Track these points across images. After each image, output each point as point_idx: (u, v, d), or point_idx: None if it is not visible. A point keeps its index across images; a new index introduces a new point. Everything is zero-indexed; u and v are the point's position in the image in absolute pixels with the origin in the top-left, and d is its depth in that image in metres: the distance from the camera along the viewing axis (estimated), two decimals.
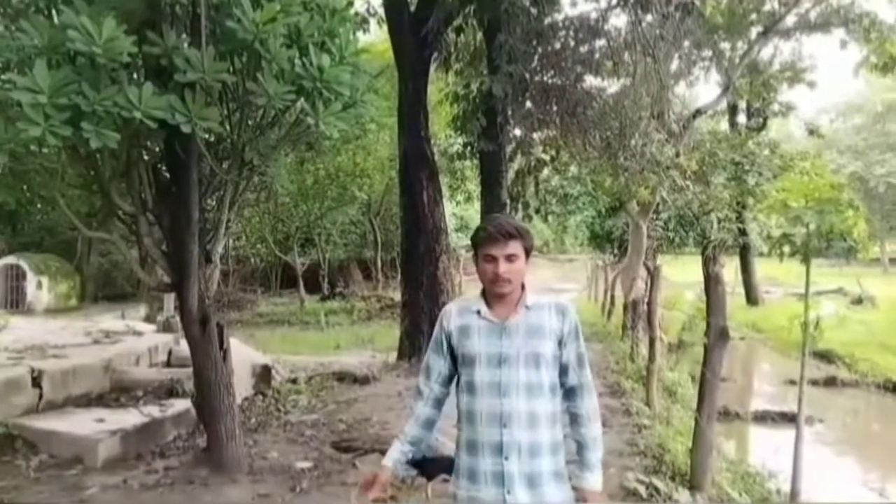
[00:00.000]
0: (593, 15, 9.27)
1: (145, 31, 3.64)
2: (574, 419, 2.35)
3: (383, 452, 4.38)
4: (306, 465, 5.20)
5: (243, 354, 7.72)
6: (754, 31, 14.38)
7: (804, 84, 16.35)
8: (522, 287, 2.32)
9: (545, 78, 9.09)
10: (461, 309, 2.38)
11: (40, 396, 5.84)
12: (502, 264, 2.23)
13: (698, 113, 13.90)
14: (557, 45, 9.14)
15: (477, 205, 13.66)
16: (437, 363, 2.40)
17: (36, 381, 5.84)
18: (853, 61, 16.40)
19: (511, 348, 2.24)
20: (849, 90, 40.86)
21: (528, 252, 2.29)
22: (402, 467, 2.53)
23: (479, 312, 2.31)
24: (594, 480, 2.30)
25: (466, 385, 2.31)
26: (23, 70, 3.52)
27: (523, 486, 2.20)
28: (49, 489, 4.63)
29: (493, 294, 2.30)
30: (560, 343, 2.28)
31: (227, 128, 4.50)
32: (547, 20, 9.09)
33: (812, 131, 18.64)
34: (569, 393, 2.34)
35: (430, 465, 3.47)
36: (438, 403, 2.44)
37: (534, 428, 2.22)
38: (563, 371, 2.31)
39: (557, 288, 24.22)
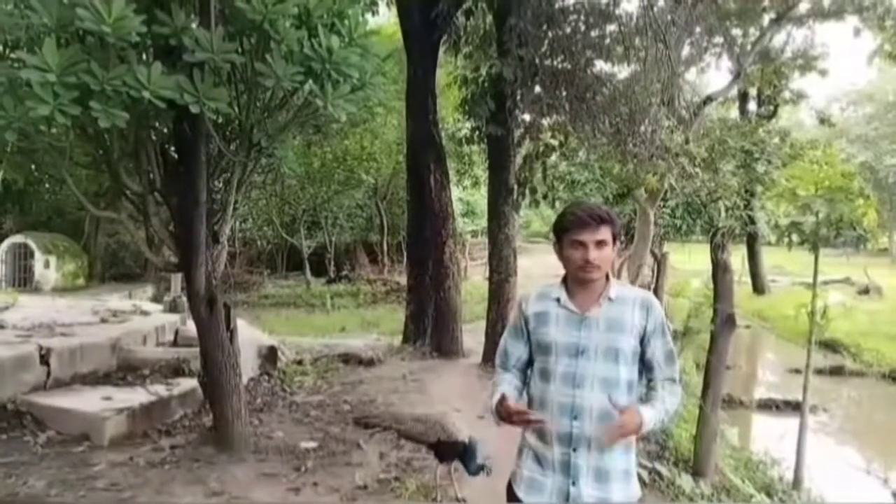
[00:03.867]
0: None
1: (154, 11, 3.62)
2: (652, 394, 2.25)
3: (400, 432, 4.44)
4: (311, 444, 5.23)
5: (249, 335, 7.76)
6: (767, 18, 14.24)
7: (816, 72, 16.21)
8: (607, 277, 2.25)
9: (555, 62, 9.01)
10: (540, 295, 2.32)
11: (48, 374, 5.89)
12: (592, 250, 2.16)
13: (709, 100, 13.82)
14: (568, 30, 9.06)
15: (484, 190, 13.64)
16: (516, 349, 2.36)
17: (44, 359, 5.88)
18: (866, 49, 16.25)
19: (589, 340, 2.17)
20: (861, 79, 40.46)
21: (615, 239, 2.22)
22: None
23: (558, 300, 2.25)
24: (647, 413, 2.12)
25: (540, 372, 2.27)
26: (32, 48, 3.52)
27: (590, 479, 2.16)
28: (57, 465, 4.68)
29: (578, 281, 2.24)
30: (643, 339, 2.21)
31: (236, 109, 4.48)
32: (558, 4, 9.01)
33: (823, 120, 18.53)
34: (656, 387, 2.27)
35: (444, 449, 3.49)
36: (521, 383, 2.37)
37: (606, 423, 2.14)
38: (648, 368, 2.25)
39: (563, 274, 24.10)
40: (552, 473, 2.20)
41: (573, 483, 2.16)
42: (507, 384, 2.33)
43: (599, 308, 2.20)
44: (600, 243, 2.17)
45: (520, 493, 2.27)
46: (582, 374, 2.17)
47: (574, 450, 2.16)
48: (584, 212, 2.20)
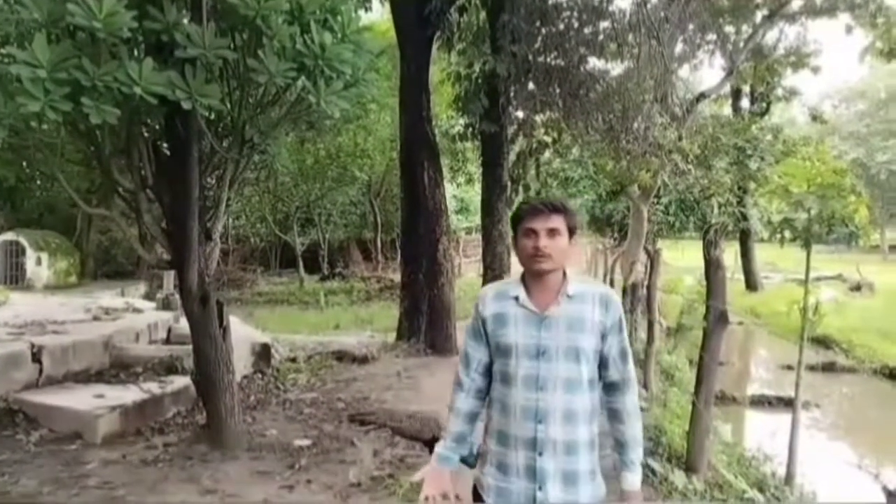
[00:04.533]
0: None
1: (146, 6, 3.59)
2: (614, 415, 2.24)
3: (395, 429, 4.41)
4: (305, 442, 5.23)
5: (243, 333, 7.74)
6: (759, 15, 14.24)
7: (808, 69, 16.24)
8: (564, 274, 2.19)
9: (548, 59, 9.02)
10: (498, 294, 2.23)
11: (40, 371, 5.87)
12: (543, 238, 2.11)
13: (702, 97, 13.81)
14: (561, 26, 9.07)
15: (477, 187, 13.64)
16: (477, 352, 2.25)
17: (36, 357, 5.86)
18: (858, 47, 16.32)
19: (550, 340, 2.11)
20: (852, 76, 40.69)
21: (571, 232, 2.17)
22: (452, 466, 2.29)
23: (516, 299, 2.17)
24: (633, 480, 2.21)
25: (501, 375, 2.19)
26: (22, 44, 3.50)
27: (557, 483, 2.10)
28: (49, 463, 4.66)
29: (532, 273, 2.17)
30: (602, 336, 2.16)
31: (228, 105, 4.47)
32: (551, 0, 9.02)
33: (815, 117, 18.56)
34: (609, 388, 2.22)
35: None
36: (481, 394, 2.29)
37: (571, 424, 2.11)
38: (603, 365, 2.19)
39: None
40: (517, 479, 2.14)
41: (539, 488, 2.10)
42: (446, 440, 2.28)
43: (559, 306, 2.13)
44: (552, 231, 2.12)
45: (488, 501, 2.21)
46: (545, 377, 2.10)
47: (540, 454, 2.10)
48: (538, 200, 2.18)
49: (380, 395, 6.81)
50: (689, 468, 4.67)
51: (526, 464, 2.12)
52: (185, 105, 3.66)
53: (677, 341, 10.43)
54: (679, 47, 11.40)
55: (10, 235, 16.85)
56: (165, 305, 9.21)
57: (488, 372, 2.26)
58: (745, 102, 20.73)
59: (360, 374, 7.77)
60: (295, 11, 3.90)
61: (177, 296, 7.75)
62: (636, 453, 2.22)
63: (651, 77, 9.03)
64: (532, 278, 2.18)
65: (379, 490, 4.38)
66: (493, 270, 8.86)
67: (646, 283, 8.74)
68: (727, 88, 17.25)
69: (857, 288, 20.55)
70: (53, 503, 4.08)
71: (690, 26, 10.90)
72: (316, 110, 4.28)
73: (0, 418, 5.32)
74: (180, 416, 5.82)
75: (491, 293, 2.25)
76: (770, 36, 15.60)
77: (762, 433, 6.82)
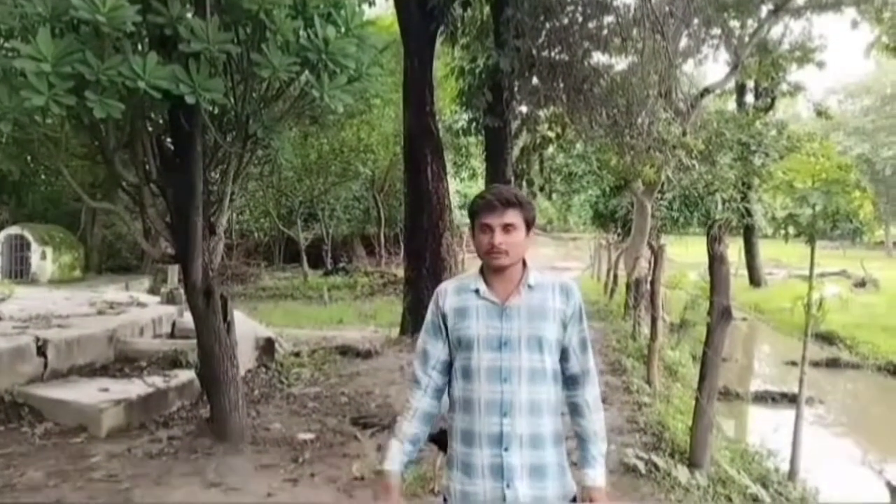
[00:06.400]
0: None
1: (149, 0, 3.60)
2: (574, 409, 2.19)
3: None
4: (309, 436, 5.24)
5: (247, 327, 7.76)
6: (764, 10, 14.19)
7: (813, 64, 16.18)
8: (524, 264, 2.15)
9: (552, 54, 9.01)
10: (458, 288, 2.18)
11: (45, 365, 5.89)
12: (499, 234, 2.06)
13: (706, 92, 13.78)
14: (565, 21, 9.06)
15: (481, 182, 13.64)
16: (435, 348, 2.18)
17: (41, 351, 5.88)
18: (864, 41, 16.24)
19: (512, 331, 2.07)
20: (858, 71, 40.55)
21: (528, 224, 2.12)
22: (407, 469, 2.20)
23: (477, 292, 2.13)
24: (595, 476, 2.13)
25: (462, 370, 2.13)
26: (26, 38, 3.50)
27: (525, 479, 2.04)
28: (54, 456, 4.68)
29: (490, 268, 2.13)
30: (563, 325, 2.12)
31: (232, 100, 4.48)
32: None
33: (820, 112, 18.49)
34: (570, 380, 2.17)
35: (446, 439, 3.47)
36: (438, 393, 2.21)
37: (536, 416, 2.06)
38: (563, 356, 2.15)
39: (560, 266, 24.25)
40: (482, 480, 2.07)
41: (507, 485, 2.04)
42: (401, 442, 2.18)
43: (519, 296, 2.10)
44: (508, 227, 2.07)
45: None
46: (508, 368, 2.06)
47: (506, 449, 2.05)
48: (492, 195, 2.12)
49: (383, 389, 6.82)
50: (693, 464, 4.67)
51: (491, 462, 2.06)
52: (189, 99, 3.66)
53: (681, 337, 10.41)
54: (683, 42, 11.37)
55: (14, 230, 16.89)
56: (170, 300, 9.23)
57: (446, 370, 2.20)
58: (749, 98, 20.66)
59: (364, 369, 7.78)
60: (298, 6, 3.90)
61: (181, 290, 7.76)
62: (597, 448, 2.17)
63: (655, 72, 9.02)
64: (491, 272, 2.15)
65: None
66: None
67: (649, 278, 8.73)
68: (731, 84, 17.18)
69: (861, 284, 20.50)
70: (59, 496, 4.10)
71: (695, 21, 10.88)
72: (319, 105, 4.28)
73: (6, 411, 5.34)
74: (185, 409, 5.85)
75: (451, 288, 2.21)
76: (775, 31, 15.56)
77: (765, 429, 6.82)
